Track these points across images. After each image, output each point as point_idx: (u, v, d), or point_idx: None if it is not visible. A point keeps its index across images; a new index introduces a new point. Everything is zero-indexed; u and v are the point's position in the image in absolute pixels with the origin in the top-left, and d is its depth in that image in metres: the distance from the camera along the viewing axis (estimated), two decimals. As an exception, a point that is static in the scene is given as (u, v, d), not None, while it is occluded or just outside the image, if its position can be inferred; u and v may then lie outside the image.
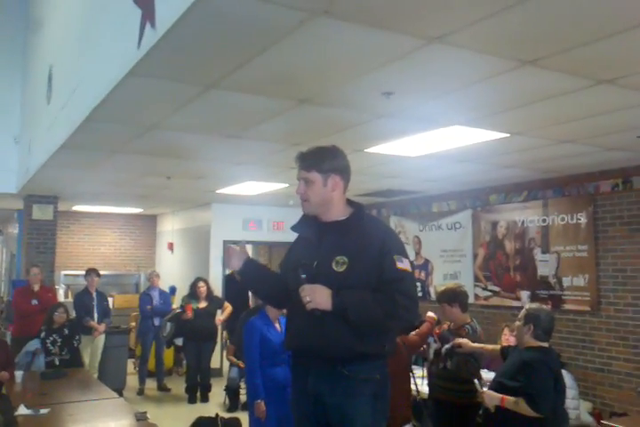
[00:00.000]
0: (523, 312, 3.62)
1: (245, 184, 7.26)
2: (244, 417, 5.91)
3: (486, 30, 2.62)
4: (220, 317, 7.84)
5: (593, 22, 2.57)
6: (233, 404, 7.09)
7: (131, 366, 8.15)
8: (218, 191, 7.88)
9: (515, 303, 6.69)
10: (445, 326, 4.29)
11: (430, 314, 4.44)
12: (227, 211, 9.25)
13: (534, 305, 3.72)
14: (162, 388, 7.94)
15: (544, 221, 6.49)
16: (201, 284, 7.57)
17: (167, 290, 9.88)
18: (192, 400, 7.41)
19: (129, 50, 3.17)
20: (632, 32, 2.63)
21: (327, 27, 2.59)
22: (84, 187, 7.68)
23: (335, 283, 2.34)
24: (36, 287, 7.16)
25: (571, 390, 4.62)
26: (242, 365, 7.08)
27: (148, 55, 2.94)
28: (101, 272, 7.91)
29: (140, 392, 7.80)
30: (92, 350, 7.27)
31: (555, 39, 2.74)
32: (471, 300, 7.27)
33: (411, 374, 4.31)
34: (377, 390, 2.42)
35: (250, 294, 8.68)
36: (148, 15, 2.88)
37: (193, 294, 7.56)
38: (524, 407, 3.31)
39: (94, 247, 11.48)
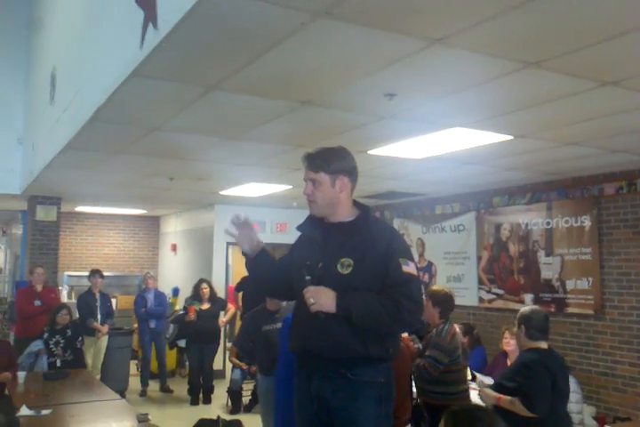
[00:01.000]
0: (517, 316, 3.67)
1: (248, 186, 7.26)
2: (246, 419, 5.90)
3: (489, 32, 2.61)
4: (223, 318, 7.84)
5: (597, 24, 2.55)
6: (235, 406, 7.07)
7: (133, 367, 8.15)
8: (221, 193, 7.89)
9: (518, 306, 6.61)
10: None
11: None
12: (230, 212, 9.06)
13: (526, 307, 3.77)
14: (164, 389, 7.94)
15: (548, 223, 6.46)
16: (204, 285, 7.56)
17: (170, 291, 9.90)
18: (194, 402, 7.40)
19: (131, 51, 3.17)
20: (636, 34, 2.62)
21: (329, 28, 2.58)
22: (88, 188, 7.70)
23: (340, 285, 2.33)
24: (39, 288, 7.16)
25: (574, 394, 4.60)
26: (244, 366, 7.08)
27: (151, 56, 2.94)
28: (105, 273, 7.91)
29: (143, 394, 7.80)
30: (95, 351, 7.26)
31: (558, 41, 2.73)
32: (475, 303, 7.29)
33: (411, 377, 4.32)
34: (381, 394, 2.41)
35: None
36: (151, 16, 2.88)
37: (196, 295, 7.55)
38: (519, 407, 3.34)
39: (97, 248, 11.51)
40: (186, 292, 8.38)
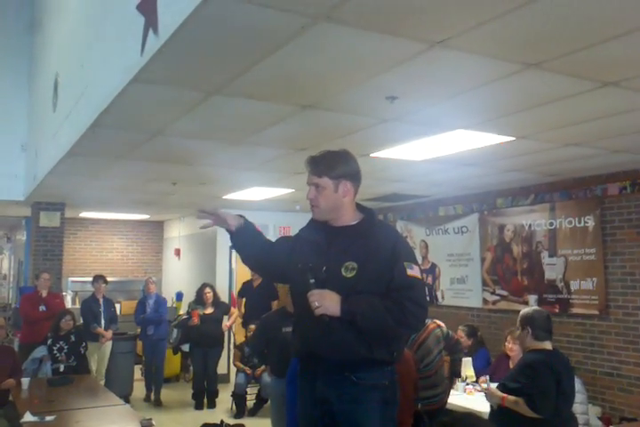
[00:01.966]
0: (518, 319, 3.67)
1: (251, 190, 7.26)
2: (250, 423, 5.91)
3: (489, 33, 2.60)
4: (227, 322, 7.84)
5: (597, 24, 2.55)
6: (240, 410, 7.07)
7: (137, 372, 8.14)
8: (224, 197, 7.89)
9: (522, 307, 6.56)
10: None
11: None
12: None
13: (526, 309, 3.77)
14: (156, 401, 7.61)
15: (551, 224, 6.45)
16: (207, 290, 7.57)
17: (174, 296, 9.91)
18: (199, 406, 7.39)
19: (132, 56, 3.18)
20: (636, 34, 2.62)
21: (329, 32, 2.58)
22: (91, 193, 7.70)
23: (344, 288, 2.32)
24: (44, 293, 7.17)
25: (579, 395, 4.57)
26: (248, 370, 7.08)
27: (152, 62, 2.95)
28: (108, 279, 7.91)
29: (147, 399, 7.78)
30: (100, 356, 7.27)
31: (559, 42, 2.72)
32: (479, 304, 7.28)
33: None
34: (386, 397, 2.39)
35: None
36: (151, 21, 2.89)
37: (199, 299, 7.56)
38: (523, 407, 3.35)
39: (101, 254, 11.51)
40: (190, 296, 8.39)
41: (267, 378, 7.03)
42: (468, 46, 2.74)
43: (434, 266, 8.02)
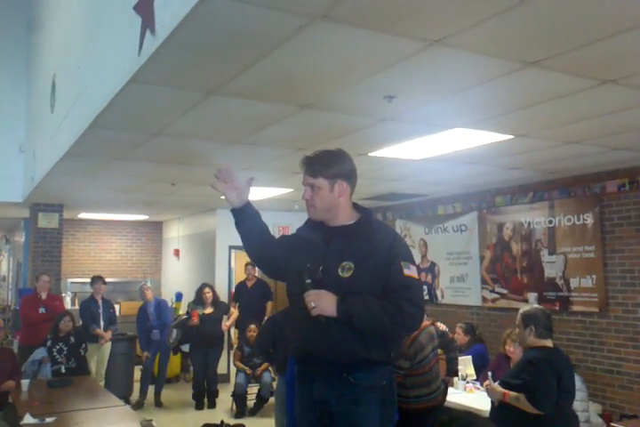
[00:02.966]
0: (518, 317, 3.67)
1: (250, 189, 7.23)
2: (251, 423, 5.91)
3: (487, 32, 2.60)
4: (227, 322, 7.83)
5: (595, 22, 2.54)
6: (240, 410, 7.07)
7: (137, 373, 8.13)
8: (223, 197, 7.86)
9: (522, 305, 6.58)
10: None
11: None
12: (232, 216, 9.22)
13: (526, 307, 3.78)
14: (157, 402, 7.59)
15: (550, 222, 6.45)
16: (207, 290, 7.55)
17: (174, 296, 9.89)
18: (199, 407, 7.38)
19: (130, 57, 3.17)
20: (635, 31, 2.61)
21: (326, 31, 2.58)
22: (90, 194, 7.70)
23: (340, 288, 2.31)
24: (44, 295, 7.15)
25: (579, 393, 4.58)
26: (248, 370, 7.07)
27: (149, 62, 2.94)
28: (107, 279, 7.89)
29: (140, 404, 7.67)
30: (99, 357, 7.25)
31: (557, 40, 2.72)
32: (478, 302, 7.28)
33: None
34: (384, 397, 2.38)
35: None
36: (148, 22, 2.88)
37: (199, 299, 7.55)
38: (524, 403, 3.37)
39: (100, 255, 11.51)
40: (189, 296, 8.37)
41: (267, 378, 7.05)
42: (465, 45, 2.73)
43: (433, 264, 8.02)
